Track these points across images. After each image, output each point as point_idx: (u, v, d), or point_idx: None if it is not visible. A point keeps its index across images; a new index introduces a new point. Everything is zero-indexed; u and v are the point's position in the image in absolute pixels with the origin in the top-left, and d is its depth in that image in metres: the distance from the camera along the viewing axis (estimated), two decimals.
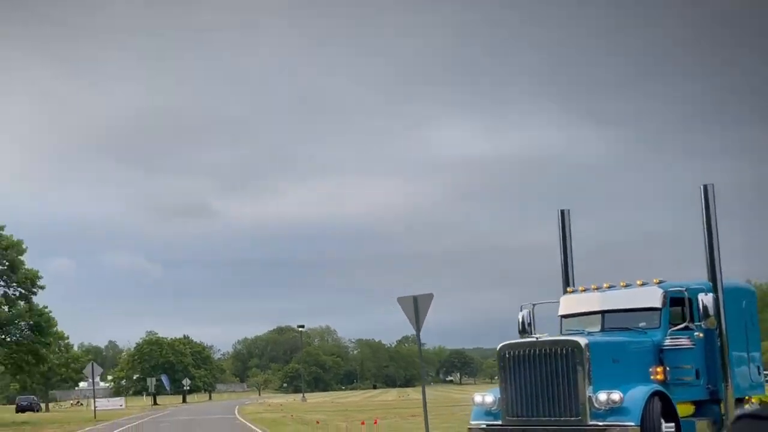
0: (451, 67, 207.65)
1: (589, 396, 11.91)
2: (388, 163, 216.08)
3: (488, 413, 13.08)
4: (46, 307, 45.00)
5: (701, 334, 13.32)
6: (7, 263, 37.25)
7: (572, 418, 12.03)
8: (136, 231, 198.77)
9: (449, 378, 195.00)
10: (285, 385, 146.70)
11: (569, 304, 14.59)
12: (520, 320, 14.67)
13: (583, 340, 12.41)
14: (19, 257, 42.12)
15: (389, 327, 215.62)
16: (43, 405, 77.24)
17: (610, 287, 14.28)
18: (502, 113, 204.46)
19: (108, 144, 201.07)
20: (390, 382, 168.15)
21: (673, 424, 12.04)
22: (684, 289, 13.40)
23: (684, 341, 13.19)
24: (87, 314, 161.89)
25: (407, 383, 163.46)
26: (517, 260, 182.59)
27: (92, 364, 52.99)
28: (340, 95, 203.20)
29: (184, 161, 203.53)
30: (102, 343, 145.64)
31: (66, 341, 53.52)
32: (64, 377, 73.91)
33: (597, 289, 14.41)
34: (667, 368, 12.87)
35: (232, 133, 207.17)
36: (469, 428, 13.37)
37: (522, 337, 13.99)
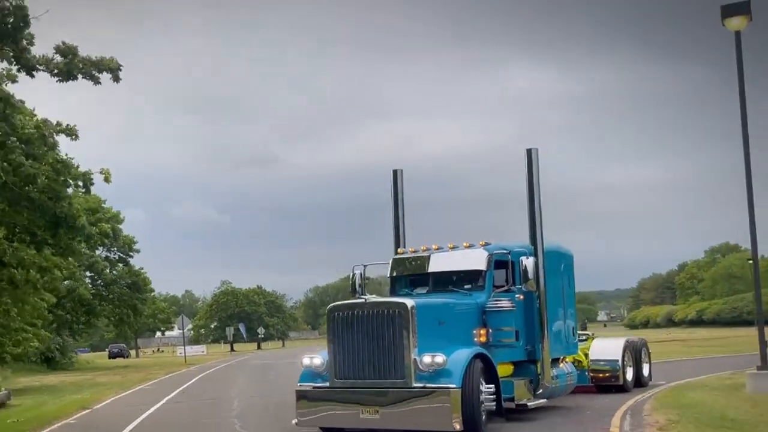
0: (524, 2, 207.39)
1: (414, 359, 11.86)
2: (459, 105, 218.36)
3: (316, 375, 12.77)
4: (142, 269, 53.19)
5: (522, 296, 13.64)
6: (110, 232, 44.14)
7: (398, 380, 11.87)
8: (204, 181, 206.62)
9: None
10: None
11: (399, 265, 14.67)
12: (352, 281, 14.67)
13: (409, 302, 12.24)
14: (118, 225, 49.81)
15: None
16: (132, 352, 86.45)
17: (438, 249, 14.40)
18: (575, 51, 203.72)
19: (174, 95, 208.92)
20: None
21: (492, 386, 12.22)
22: (508, 252, 13.68)
23: (505, 303, 13.35)
24: (161, 265, 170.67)
25: None
26: (593, 201, 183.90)
27: (182, 316, 62.20)
28: (406, 35, 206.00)
29: (249, 111, 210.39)
30: (179, 293, 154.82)
31: (153, 294, 60.79)
32: (151, 327, 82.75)
33: (426, 250, 14.53)
34: (490, 330, 13.02)
35: (297, 80, 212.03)
36: (296, 390, 12.89)
37: (353, 298, 13.67)
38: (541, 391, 13.44)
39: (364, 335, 11.96)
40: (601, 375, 17.03)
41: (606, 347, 17.53)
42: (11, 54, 12.42)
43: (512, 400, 12.69)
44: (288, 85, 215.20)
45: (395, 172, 15.99)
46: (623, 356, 17.37)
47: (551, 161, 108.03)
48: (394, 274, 14.47)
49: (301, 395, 12.53)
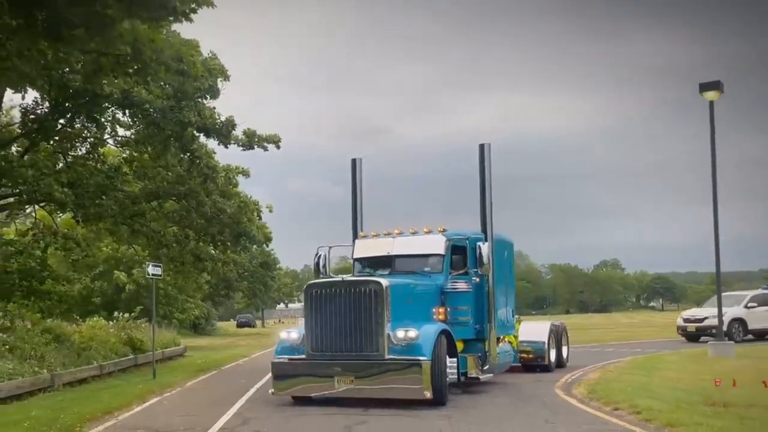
0: None
1: (388, 333, 13.52)
2: (574, 76, 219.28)
3: (292, 349, 14.38)
4: (273, 250, 64.74)
5: (477, 279, 15.60)
6: (270, 234, 54.15)
7: (372, 353, 13.54)
8: (321, 154, 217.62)
9: (651, 304, 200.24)
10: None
11: (363, 247, 16.60)
12: (317, 261, 16.42)
13: (385, 282, 13.94)
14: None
15: (587, 251, 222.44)
16: (258, 322, 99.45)
17: (400, 233, 16.24)
18: (700, 20, 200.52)
19: (290, 70, 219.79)
20: (584, 308, 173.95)
21: (455, 360, 14.19)
22: (466, 237, 15.71)
23: (462, 285, 15.44)
24: (282, 239, 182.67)
25: (603, 309, 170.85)
26: (722, 175, 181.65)
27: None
28: (518, 5, 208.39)
29: (364, 83, 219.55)
30: (298, 267, 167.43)
31: (280, 271, 72.26)
32: (276, 300, 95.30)
33: (388, 234, 16.38)
34: (448, 309, 15.07)
35: (411, 53, 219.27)
36: (273, 362, 14.59)
37: (317, 277, 15.70)
38: (487, 366, 15.54)
39: (341, 311, 13.78)
40: (528, 356, 19.14)
41: (533, 330, 19.78)
42: (217, 142, 21.81)
43: (465, 374, 14.76)
44: (403, 57, 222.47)
45: (353, 161, 17.86)
46: (548, 339, 19.77)
47: None
48: (358, 255, 16.57)
49: (278, 366, 14.38)
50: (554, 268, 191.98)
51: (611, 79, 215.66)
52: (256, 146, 21.59)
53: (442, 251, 15.63)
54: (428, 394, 13.22)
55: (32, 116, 21.80)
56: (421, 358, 13.28)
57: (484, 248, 15.22)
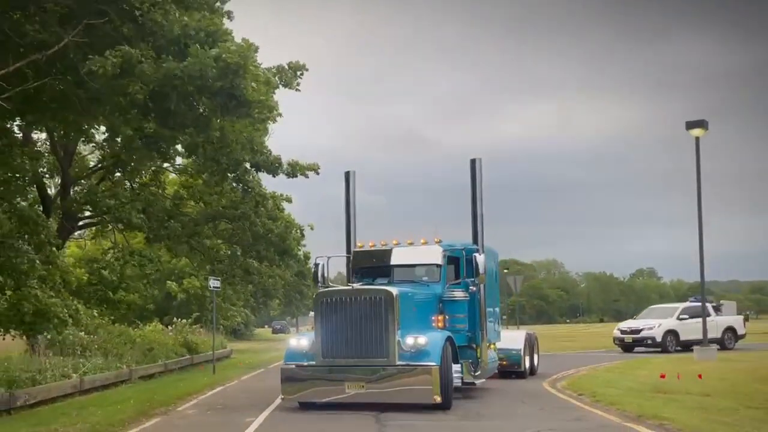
0: None
1: (398, 340, 14.14)
2: (615, 81, 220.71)
3: (301, 356, 14.91)
4: (308, 259, 69.14)
5: (474, 288, 16.35)
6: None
7: (382, 359, 14.13)
8: (354, 163, 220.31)
9: None
10: (505, 317, 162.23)
11: (361, 257, 17.27)
12: (315, 271, 17.13)
13: (394, 290, 14.55)
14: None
15: (623, 259, 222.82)
16: (293, 329, 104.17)
17: (397, 244, 17.00)
18: (745, 22, 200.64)
19: (320, 75, 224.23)
20: (619, 317, 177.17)
21: (459, 366, 15.08)
22: (463, 248, 16.54)
23: (459, 293, 16.27)
24: (315, 245, 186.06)
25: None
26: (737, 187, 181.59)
27: None
28: (557, 10, 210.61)
29: (398, 90, 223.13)
30: (332, 275, 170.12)
31: None
32: (309, 307, 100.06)
33: (385, 245, 17.10)
34: (446, 317, 15.89)
35: (448, 60, 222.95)
36: (282, 369, 15.10)
37: (318, 287, 16.63)
38: (479, 372, 16.36)
39: (351, 319, 14.40)
40: (504, 362, 19.71)
41: (509, 338, 20.71)
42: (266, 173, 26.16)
43: (460, 379, 15.31)
44: (440, 63, 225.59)
45: (347, 174, 18.64)
46: (524, 346, 20.89)
47: None
48: (356, 265, 17.26)
49: (287, 373, 14.92)
50: (589, 277, 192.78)
51: (650, 85, 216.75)
52: (299, 175, 25.82)
53: (439, 261, 16.40)
54: (438, 399, 13.94)
55: (107, 150, 26.31)
56: (431, 364, 13.97)
57: (480, 259, 15.94)
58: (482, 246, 16.66)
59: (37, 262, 16.26)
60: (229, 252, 28.97)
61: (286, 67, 16.48)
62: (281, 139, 53.40)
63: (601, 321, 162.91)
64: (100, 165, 26.39)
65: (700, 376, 18.73)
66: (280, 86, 16.35)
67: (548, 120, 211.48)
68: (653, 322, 34.31)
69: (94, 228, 27.40)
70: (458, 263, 16.73)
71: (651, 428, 12.01)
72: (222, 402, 16.97)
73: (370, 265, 17.07)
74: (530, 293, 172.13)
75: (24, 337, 21.67)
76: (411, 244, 16.93)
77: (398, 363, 14.12)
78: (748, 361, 25.76)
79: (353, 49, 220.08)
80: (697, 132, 27.80)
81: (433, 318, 15.68)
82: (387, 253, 16.94)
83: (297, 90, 16.50)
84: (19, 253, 15.68)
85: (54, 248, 18.28)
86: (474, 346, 16.48)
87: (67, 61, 13.13)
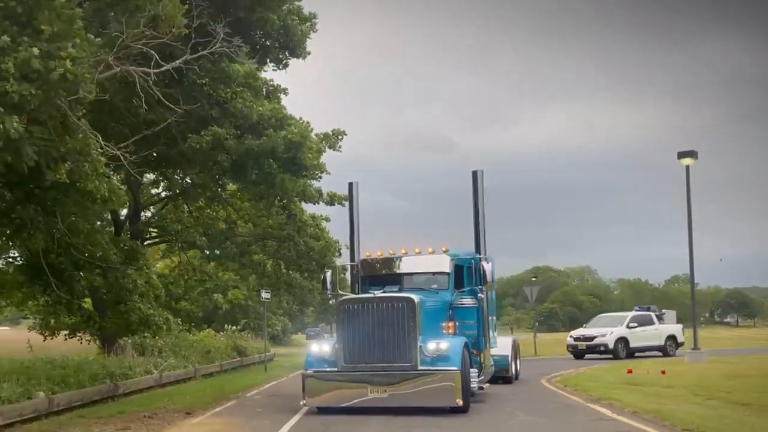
0: None
1: (420, 345, 14.83)
2: (644, 85, 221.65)
3: (322, 361, 15.53)
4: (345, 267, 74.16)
5: (482, 295, 17.23)
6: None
7: (405, 364, 14.78)
8: (378, 166, 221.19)
9: (726, 319, 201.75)
10: (537, 324, 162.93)
11: (370, 266, 17.90)
12: (324, 279, 18.18)
13: (416, 298, 15.27)
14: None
15: (658, 265, 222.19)
16: (326, 335, 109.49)
17: (406, 254, 17.65)
18: None
19: (342, 80, 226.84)
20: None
21: (476, 370, 15.99)
22: (471, 257, 17.32)
23: (469, 301, 17.03)
24: (343, 251, 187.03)
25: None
26: None
27: None
28: (582, 13, 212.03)
29: (424, 95, 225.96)
30: None
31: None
32: None
33: (393, 254, 17.72)
34: (457, 323, 16.47)
35: (471, 65, 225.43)
36: (304, 374, 15.61)
37: (327, 295, 18.29)
38: (483, 377, 17.05)
39: (374, 325, 14.98)
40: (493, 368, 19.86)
41: (498, 343, 21.21)
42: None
43: (477, 383, 16.03)
44: (461, 67, 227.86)
45: (350, 184, 19.25)
46: (512, 352, 22.02)
47: None
48: (365, 273, 17.91)
49: (310, 378, 15.44)
50: (622, 283, 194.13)
51: (690, 89, 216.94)
52: (336, 203, 30.48)
53: (447, 269, 17.19)
54: (460, 402, 14.66)
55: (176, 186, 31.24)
56: (453, 368, 14.71)
57: (488, 267, 16.83)
58: (483, 254, 17.59)
59: (138, 282, 21.11)
60: (274, 267, 33.76)
61: (331, 133, 21.29)
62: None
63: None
64: (167, 195, 31.23)
65: (663, 372, 23.15)
66: (327, 149, 20.99)
67: (577, 124, 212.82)
68: (606, 330, 36.43)
69: (162, 246, 32.33)
70: (462, 271, 17.52)
71: (603, 406, 16.42)
72: (279, 391, 21.73)
73: (380, 273, 17.78)
74: (563, 300, 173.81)
75: (97, 341, 26.61)
76: (419, 253, 17.60)
77: (420, 368, 14.82)
78: (735, 363, 29.85)
79: (375, 55, 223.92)
80: (687, 161, 32.00)
81: (443, 324, 16.38)
82: (396, 262, 17.72)
83: (339, 151, 21.25)
84: (125, 275, 20.51)
85: (147, 270, 23.16)
86: (476, 351, 17.14)
87: (170, 134, 18.04)
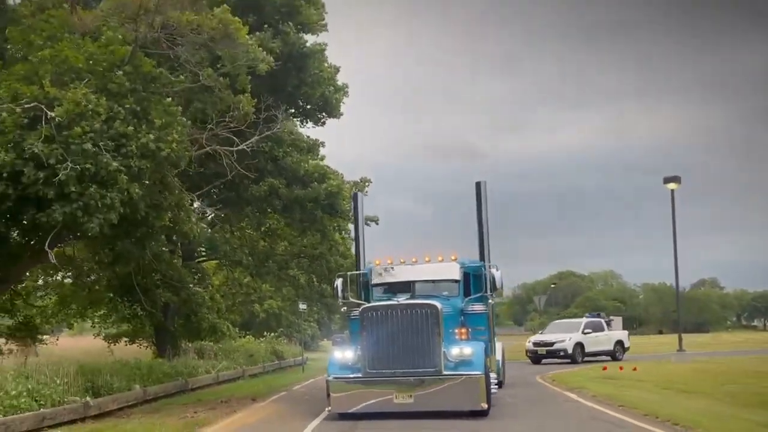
0: None
1: (443, 351, 15.52)
2: (675, 87, 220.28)
3: (346, 368, 16.08)
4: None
5: (492, 302, 18.24)
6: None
7: (430, 369, 15.44)
8: (402, 173, 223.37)
9: (754, 323, 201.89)
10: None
11: (381, 274, 18.46)
12: (335, 288, 18.80)
13: (438, 304, 16.01)
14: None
15: (684, 269, 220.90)
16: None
17: (416, 262, 18.33)
18: None
19: (368, 86, 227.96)
20: (677, 328, 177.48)
21: (495, 375, 17.34)
22: (480, 265, 18.14)
23: (480, 307, 17.87)
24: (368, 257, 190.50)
25: (698, 328, 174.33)
26: None
27: None
28: (610, 16, 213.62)
29: (450, 101, 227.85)
30: None
31: None
32: None
33: (404, 262, 18.38)
34: (469, 329, 16.86)
35: (499, 69, 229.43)
36: (328, 381, 16.26)
37: (338, 302, 18.67)
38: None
39: (398, 331, 15.66)
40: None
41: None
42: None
43: (496, 386, 17.18)
44: (489, 72, 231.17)
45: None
46: (502, 357, 23.18)
47: None
48: (376, 281, 18.45)
49: (335, 385, 16.04)
50: (646, 288, 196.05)
51: (716, 89, 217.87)
52: (368, 223, 35.65)
53: (458, 277, 18.04)
54: (485, 405, 15.48)
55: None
56: (477, 372, 15.46)
57: (497, 275, 17.74)
58: (487, 262, 18.38)
59: (206, 297, 26.62)
60: (308, 281, 39.06)
61: (359, 181, 26.69)
62: (337, 157, 60.32)
63: (660, 333, 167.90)
64: (216, 219, 36.72)
65: (635, 369, 28.27)
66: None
67: (604, 129, 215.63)
68: (564, 336, 38.49)
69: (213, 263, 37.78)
70: (470, 279, 18.37)
71: (576, 393, 21.46)
72: (318, 386, 26.85)
73: (391, 281, 18.42)
74: (586, 305, 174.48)
75: (147, 346, 32.20)
76: (428, 261, 18.36)
77: (445, 372, 15.53)
78: (713, 363, 34.80)
79: (400, 62, 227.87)
80: (672, 185, 36.99)
81: (456, 330, 16.81)
82: (407, 270, 18.39)
83: (365, 195, 26.45)
84: (195, 293, 26.02)
85: (212, 288, 28.69)
86: (487, 356, 17.47)
87: (234, 186, 23.56)
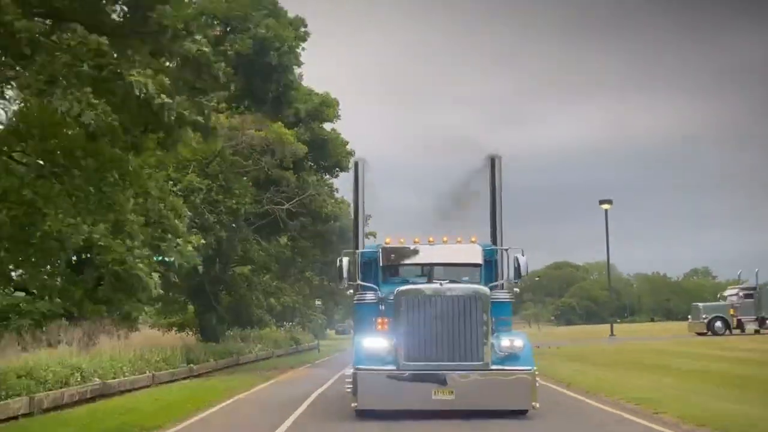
0: None
1: (492, 342, 14.13)
2: (673, 77, 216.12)
3: (377, 359, 14.48)
4: None
5: (518, 289, 16.96)
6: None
7: (475, 362, 14.02)
8: (402, 167, 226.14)
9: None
10: (553, 318, 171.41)
11: (392, 254, 16.92)
12: (339, 269, 16.44)
13: (487, 290, 14.85)
14: None
15: (677, 260, 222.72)
16: (351, 330, 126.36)
17: (433, 242, 16.68)
18: None
19: (367, 81, 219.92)
20: (670, 316, 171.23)
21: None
22: (506, 249, 16.54)
23: (505, 295, 16.24)
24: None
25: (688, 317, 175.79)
26: None
27: None
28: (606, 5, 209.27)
29: (450, 95, 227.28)
30: None
31: None
32: None
33: (417, 242, 16.80)
34: (493, 319, 14.84)
35: (500, 63, 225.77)
36: (356, 373, 14.45)
37: (342, 284, 16.45)
38: None
39: (439, 319, 14.30)
40: None
41: None
42: None
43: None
44: (492, 67, 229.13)
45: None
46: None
47: None
48: (386, 262, 16.83)
49: (365, 378, 14.40)
50: (640, 278, 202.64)
51: (707, 82, 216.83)
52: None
53: (480, 261, 16.42)
54: (537, 405, 14.20)
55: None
56: (528, 367, 14.24)
57: (522, 260, 16.08)
58: (502, 245, 16.84)
59: (255, 298, 38.44)
60: (320, 281, 50.70)
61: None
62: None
63: (652, 320, 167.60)
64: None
65: (558, 348, 39.60)
66: None
67: (602, 120, 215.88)
68: None
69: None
70: (491, 263, 16.88)
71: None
72: (335, 361, 38.40)
73: (404, 262, 17.14)
74: (580, 294, 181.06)
75: (193, 333, 43.75)
76: (446, 242, 16.81)
77: (493, 367, 14.20)
78: (633, 343, 45.46)
79: (407, 57, 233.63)
80: (606, 206, 48.36)
81: None
82: (423, 251, 16.82)
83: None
84: (245, 295, 37.85)
85: (257, 290, 40.59)
86: None
87: (277, 227, 35.44)
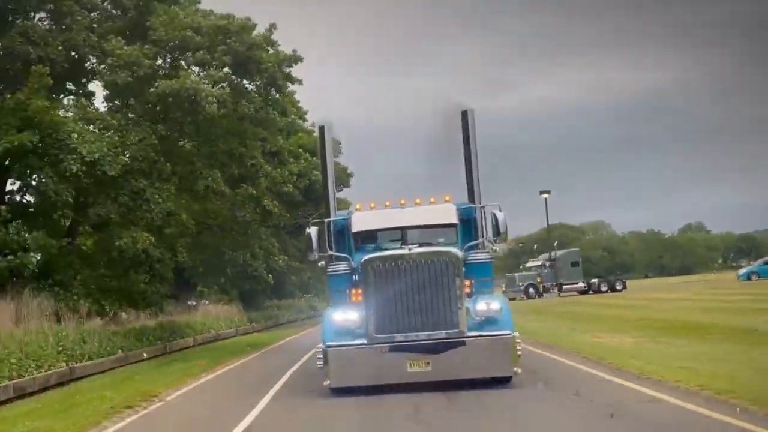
0: None
1: (467, 307, 13.51)
2: (664, 31, 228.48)
3: (346, 333, 13.91)
4: None
5: (497, 249, 16.08)
6: None
7: (451, 330, 13.43)
8: (393, 134, 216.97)
9: (741, 264, 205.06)
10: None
11: (365, 220, 16.09)
12: (309, 238, 15.70)
13: (458, 252, 14.16)
14: None
15: (672, 216, 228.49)
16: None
17: (404, 205, 16.02)
18: None
19: (356, 48, 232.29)
20: (664, 272, 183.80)
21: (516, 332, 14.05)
22: (481, 207, 15.74)
23: (484, 255, 15.50)
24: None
25: (685, 271, 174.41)
26: None
27: None
28: None
29: (427, 61, 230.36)
30: None
31: None
32: None
33: (389, 206, 16.10)
34: (473, 281, 14.78)
35: (475, 26, 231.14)
36: (327, 349, 13.88)
37: (313, 255, 15.61)
38: None
39: (410, 287, 13.65)
40: None
41: None
42: None
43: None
44: (467, 30, 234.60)
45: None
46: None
47: None
48: (359, 228, 16.08)
49: (335, 355, 13.82)
50: (633, 236, 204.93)
51: (688, 38, 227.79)
52: None
53: (455, 220, 15.80)
54: (518, 370, 13.60)
55: None
56: (507, 332, 13.68)
57: (501, 216, 15.35)
58: (480, 203, 16.16)
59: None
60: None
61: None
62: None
63: (646, 277, 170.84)
64: None
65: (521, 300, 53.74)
66: None
67: (586, 79, 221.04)
68: None
69: None
70: (469, 223, 16.28)
71: None
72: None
73: (377, 227, 16.40)
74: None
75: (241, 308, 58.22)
76: (419, 204, 16.21)
77: (469, 334, 13.69)
78: (581, 298, 59.19)
79: (377, 23, 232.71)
80: (545, 195, 62.21)
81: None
82: (395, 215, 16.23)
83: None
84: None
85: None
86: None
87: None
